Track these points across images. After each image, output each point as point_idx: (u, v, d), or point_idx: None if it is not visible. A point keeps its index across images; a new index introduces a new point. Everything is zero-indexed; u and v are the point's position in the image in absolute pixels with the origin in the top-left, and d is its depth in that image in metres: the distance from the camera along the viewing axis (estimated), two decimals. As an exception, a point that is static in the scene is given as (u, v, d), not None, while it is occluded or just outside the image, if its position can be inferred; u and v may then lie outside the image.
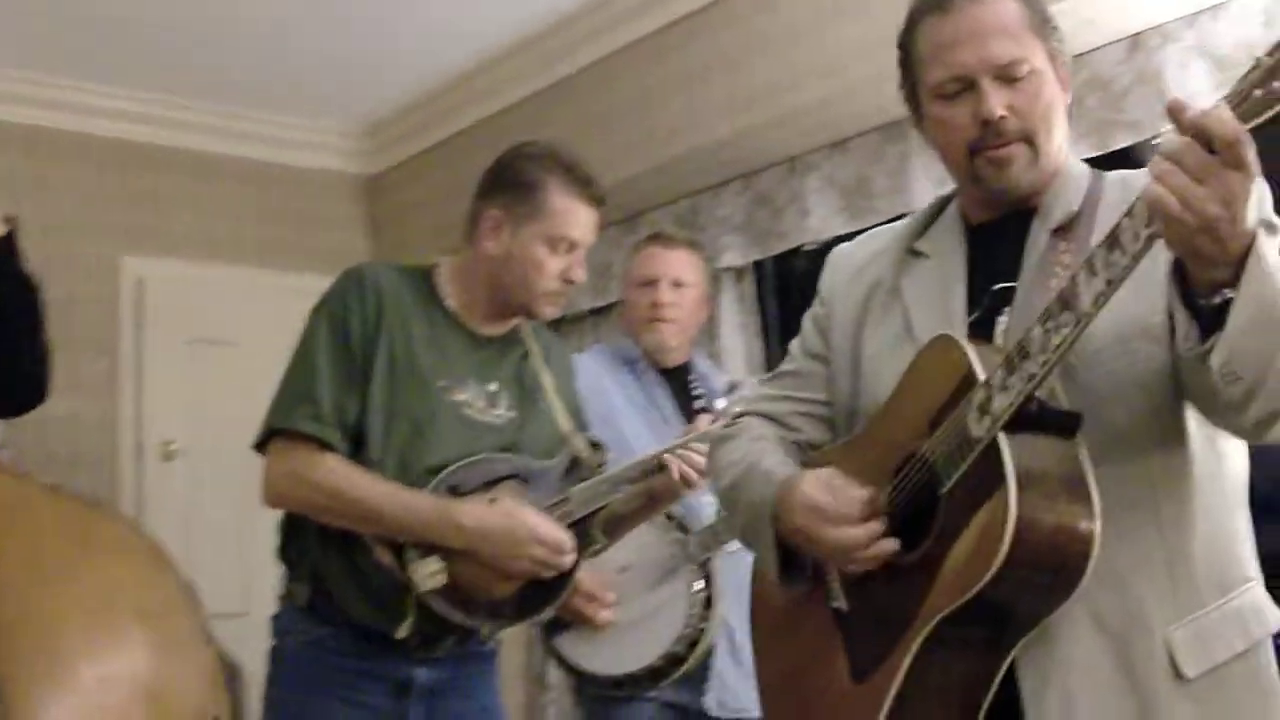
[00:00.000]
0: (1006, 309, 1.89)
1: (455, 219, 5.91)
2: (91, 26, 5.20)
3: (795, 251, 5.06)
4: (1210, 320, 1.58)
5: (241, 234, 6.28)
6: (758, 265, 5.27)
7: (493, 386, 2.82)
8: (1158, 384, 1.78)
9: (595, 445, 2.92)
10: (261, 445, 2.75)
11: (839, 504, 1.89)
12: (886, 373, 1.98)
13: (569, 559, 2.74)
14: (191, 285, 6.04)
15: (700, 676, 3.43)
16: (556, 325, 6.03)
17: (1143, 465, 1.79)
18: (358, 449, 2.70)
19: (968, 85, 1.91)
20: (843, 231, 4.71)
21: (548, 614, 2.92)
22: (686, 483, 2.94)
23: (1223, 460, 1.85)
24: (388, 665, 2.71)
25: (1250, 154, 1.48)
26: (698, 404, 3.59)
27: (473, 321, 2.86)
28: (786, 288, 5.38)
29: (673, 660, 3.34)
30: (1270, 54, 1.45)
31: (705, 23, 4.86)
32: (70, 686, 1.94)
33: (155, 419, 5.80)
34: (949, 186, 4.26)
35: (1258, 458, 1.92)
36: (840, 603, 1.99)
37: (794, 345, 2.25)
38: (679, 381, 3.61)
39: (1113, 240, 1.60)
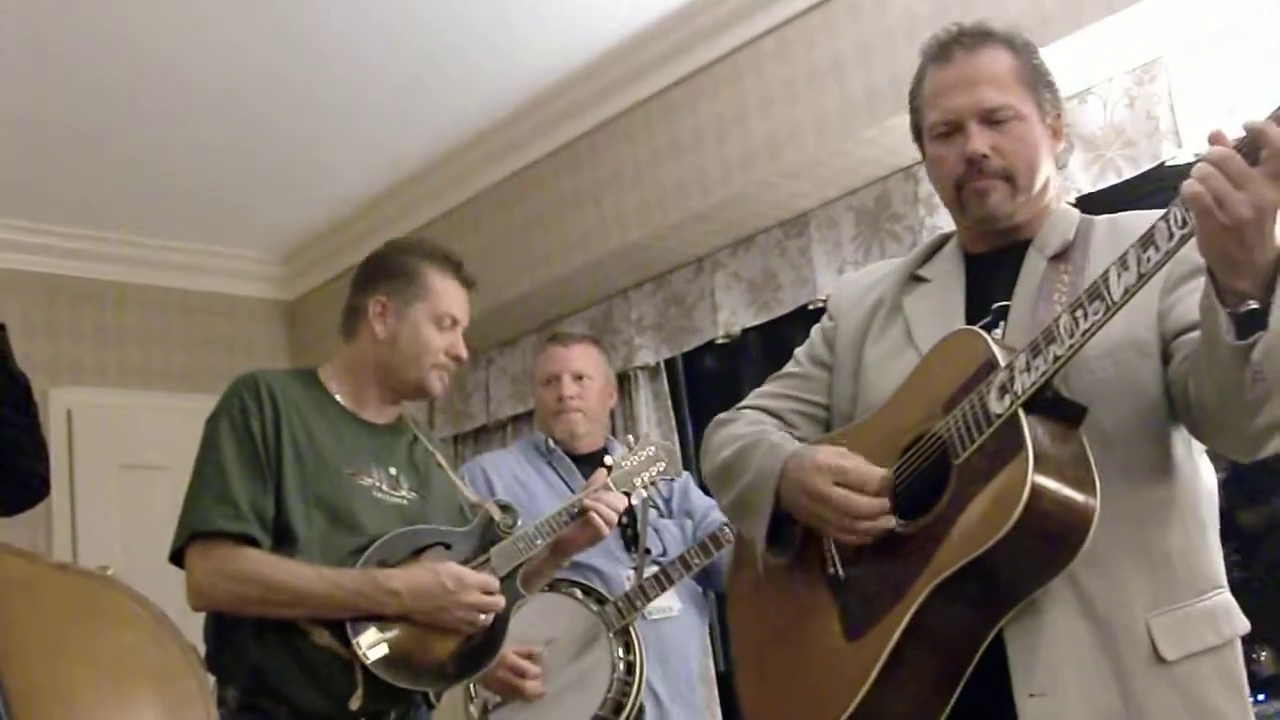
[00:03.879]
0: (1002, 324, 2.09)
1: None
2: (12, 164, 5.33)
3: (706, 349, 5.30)
4: (1238, 327, 1.74)
5: (166, 362, 6.44)
6: (669, 364, 5.49)
7: (393, 470, 2.93)
8: (1143, 393, 1.96)
9: (506, 508, 3.07)
10: (178, 554, 2.75)
11: (859, 473, 2.04)
12: (885, 376, 2.18)
13: (500, 600, 2.86)
14: (120, 413, 6.15)
15: None
16: (479, 432, 6.24)
17: (1126, 467, 1.94)
18: (280, 544, 2.73)
19: (957, 127, 2.13)
20: (752, 324, 4.98)
21: (489, 666, 2.99)
22: (609, 524, 3.13)
23: (1199, 476, 2.02)
24: None
25: None
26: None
27: (363, 412, 2.97)
28: (698, 384, 5.62)
29: None
30: None
31: (611, 134, 5.11)
32: (87, 749, 2.07)
33: (90, 545, 5.84)
34: (849, 274, 4.55)
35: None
36: (836, 569, 2.11)
37: (799, 353, 2.43)
38: (594, 467, 3.73)
39: (1147, 240, 1.76)
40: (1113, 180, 3.81)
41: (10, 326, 5.24)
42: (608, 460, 3.37)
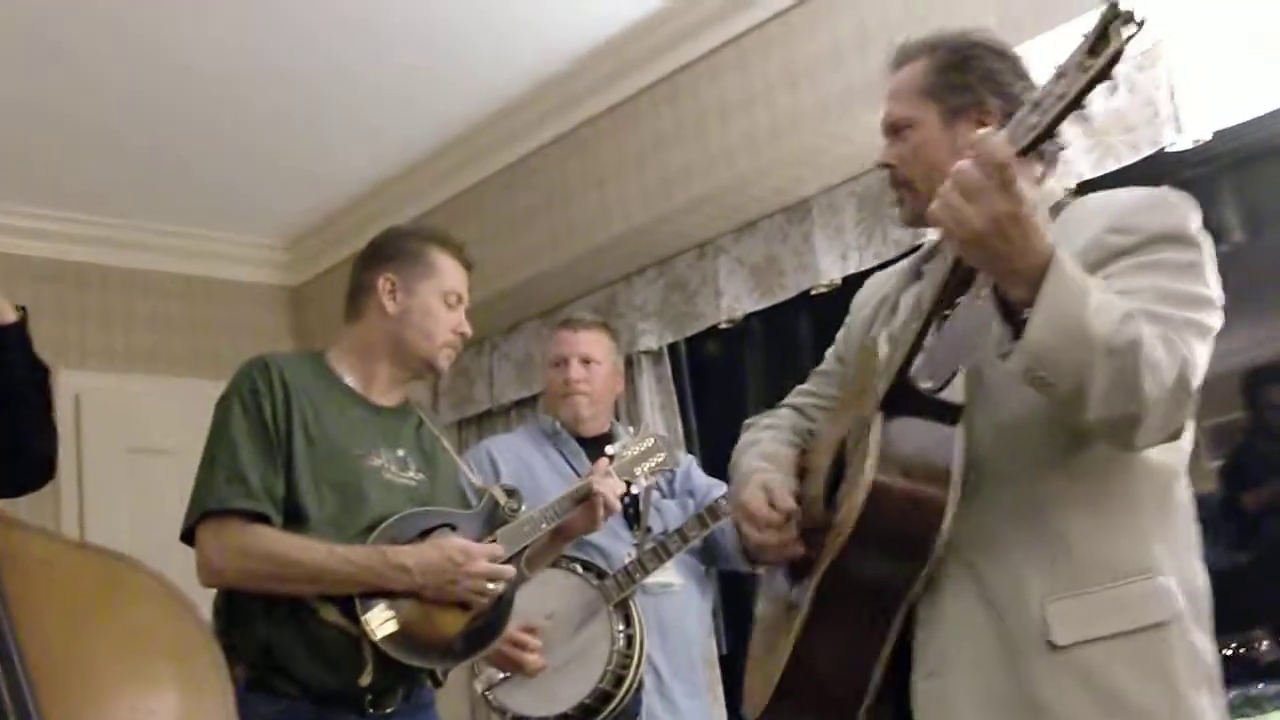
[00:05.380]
0: None
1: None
2: (20, 151, 5.36)
3: (708, 334, 5.33)
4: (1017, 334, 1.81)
5: (173, 346, 6.45)
6: (673, 349, 5.53)
7: (400, 452, 2.98)
8: None
9: (510, 492, 3.13)
10: (189, 533, 2.80)
11: (768, 513, 2.19)
12: None
13: (509, 570, 2.92)
14: (127, 397, 6.17)
15: (632, 712, 3.64)
16: (483, 417, 6.27)
17: (1030, 457, 1.98)
18: (291, 523, 2.78)
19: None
20: (754, 309, 5.01)
21: (495, 644, 3.05)
22: (609, 510, 3.19)
23: (1132, 462, 1.97)
24: None
25: (1015, 179, 1.71)
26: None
27: (371, 394, 3.03)
28: (701, 368, 5.66)
29: (602, 698, 3.55)
30: (1038, 94, 1.73)
31: (614, 120, 5.13)
32: (108, 721, 2.11)
33: (98, 528, 5.87)
34: (852, 259, 4.60)
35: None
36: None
37: (829, 350, 2.55)
38: (600, 450, 3.76)
39: (932, 251, 1.89)
40: (1113, 166, 3.82)
41: (18, 310, 5.26)
42: (609, 450, 3.41)
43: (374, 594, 2.76)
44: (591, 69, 5.06)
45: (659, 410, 5.44)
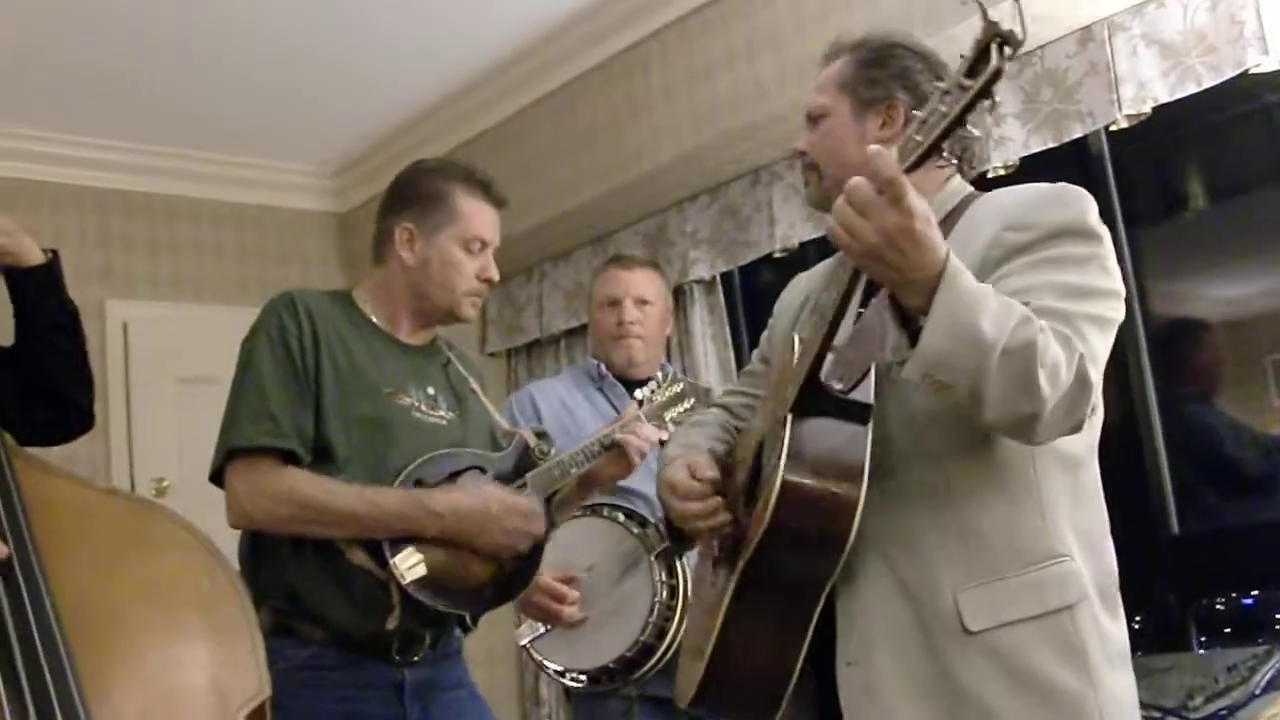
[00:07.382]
0: None
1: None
2: (69, 79, 5.35)
3: (763, 263, 5.22)
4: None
5: (221, 274, 6.46)
6: (725, 278, 5.43)
7: (430, 390, 2.91)
8: None
9: (541, 435, 3.05)
10: (217, 473, 2.73)
11: (690, 483, 2.26)
12: None
13: (541, 524, 2.85)
14: (175, 326, 6.17)
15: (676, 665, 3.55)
16: (532, 346, 6.21)
17: (939, 450, 2.05)
18: (319, 462, 2.71)
19: None
20: (809, 238, 4.88)
21: (525, 592, 3.00)
22: (641, 455, 3.11)
23: (1043, 450, 2.04)
24: (379, 672, 2.74)
25: (905, 194, 1.74)
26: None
27: (398, 333, 2.95)
28: (755, 298, 5.55)
29: (644, 650, 3.43)
30: (925, 111, 1.78)
31: (666, 43, 5.02)
32: (137, 671, 2.07)
33: (146, 457, 5.89)
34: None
35: None
36: (716, 549, 2.34)
37: (755, 351, 2.62)
38: None
39: (841, 260, 1.94)
40: (1192, 89, 3.65)
41: (66, 239, 5.23)
42: (638, 394, 3.31)
43: (403, 538, 2.71)
44: (642, -9, 4.95)
45: (710, 341, 5.36)
